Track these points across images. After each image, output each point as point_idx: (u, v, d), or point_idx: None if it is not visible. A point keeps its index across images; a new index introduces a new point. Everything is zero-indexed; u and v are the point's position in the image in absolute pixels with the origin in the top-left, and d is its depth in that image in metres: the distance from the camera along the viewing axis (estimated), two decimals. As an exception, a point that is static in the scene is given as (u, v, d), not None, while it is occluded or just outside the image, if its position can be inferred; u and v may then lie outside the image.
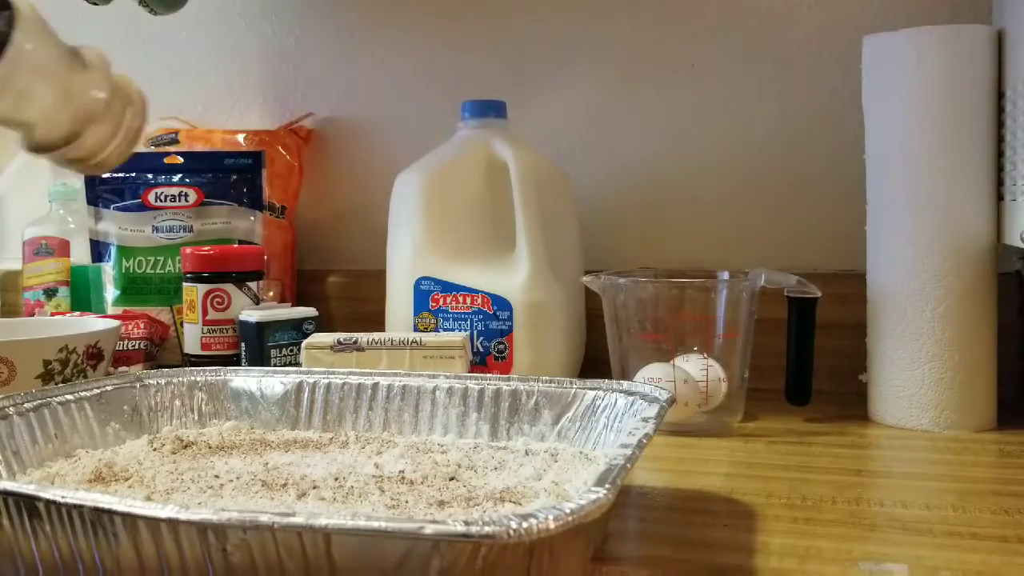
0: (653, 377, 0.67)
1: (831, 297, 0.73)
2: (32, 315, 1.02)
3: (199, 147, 1.02)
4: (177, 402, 0.62)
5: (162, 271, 0.95)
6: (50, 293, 1.03)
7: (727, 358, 0.69)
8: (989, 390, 0.68)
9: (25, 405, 0.53)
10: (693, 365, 0.68)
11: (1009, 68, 0.65)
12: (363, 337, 0.74)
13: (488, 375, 0.61)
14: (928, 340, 0.67)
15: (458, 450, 0.56)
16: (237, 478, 0.49)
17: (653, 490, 0.54)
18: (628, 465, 0.39)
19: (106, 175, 0.97)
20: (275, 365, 0.80)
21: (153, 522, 0.33)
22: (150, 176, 0.96)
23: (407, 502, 0.44)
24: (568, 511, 0.32)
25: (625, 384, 0.56)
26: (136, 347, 0.88)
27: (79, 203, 1.01)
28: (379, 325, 0.86)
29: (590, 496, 0.33)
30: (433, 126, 1.00)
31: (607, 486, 0.34)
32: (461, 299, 0.79)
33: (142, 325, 0.89)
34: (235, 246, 0.94)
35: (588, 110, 0.95)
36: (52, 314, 0.99)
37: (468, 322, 0.79)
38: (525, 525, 0.30)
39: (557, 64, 0.96)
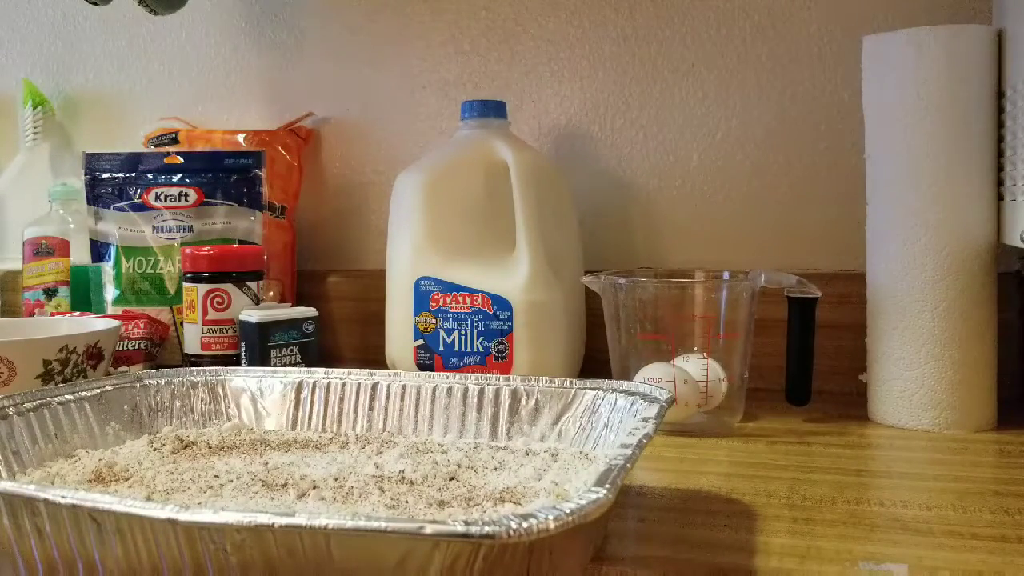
0: (653, 377, 0.67)
1: (831, 297, 0.73)
2: (32, 315, 1.02)
3: (199, 147, 1.02)
4: (177, 402, 0.62)
5: (162, 271, 0.95)
6: (50, 293, 1.03)
7: (727, 358, 0.69)
8: (989, 390, 0.68)
9: (25, 405, 0.53)
10: (693, 365, 0.68)
11: (1009, 68, 0.65)
12: None
13: (488, 375, 0.61)
14: (928, 340, 0.67)
15: (458, 450, 0.56)
16: (237, 478, 0.49)
17: (653, 490, 0.54)
18: (628, 465, 0.39)
19: (106, 175, 0.97)
20: (275, 365, 0.80)
21: (153, 522, 0.33)
22: (150, 176, 0.96)
23: (407, 502, 0.44)
24: (568, 511, 0.32)
25: (625, 384, 0.56)
26: (136, 347, 0.88)
27: (79, 203, 1.01)
28: (379, 325, 0.86)
29: (590, 496, 0.33)
30: (433, 126, 1.00)
31: (607, 486, 0.34)
32: (461, 299, 0.79)
33: (142, 325, 0.89)
34: (235, 246, 0.94)
35: (588, 110, 0.95)
36: (52, 314, 0.99)
37: (468, 322, 0.79)
38: (525, 525, 0.30)
39: (557, 64, 0.96)
